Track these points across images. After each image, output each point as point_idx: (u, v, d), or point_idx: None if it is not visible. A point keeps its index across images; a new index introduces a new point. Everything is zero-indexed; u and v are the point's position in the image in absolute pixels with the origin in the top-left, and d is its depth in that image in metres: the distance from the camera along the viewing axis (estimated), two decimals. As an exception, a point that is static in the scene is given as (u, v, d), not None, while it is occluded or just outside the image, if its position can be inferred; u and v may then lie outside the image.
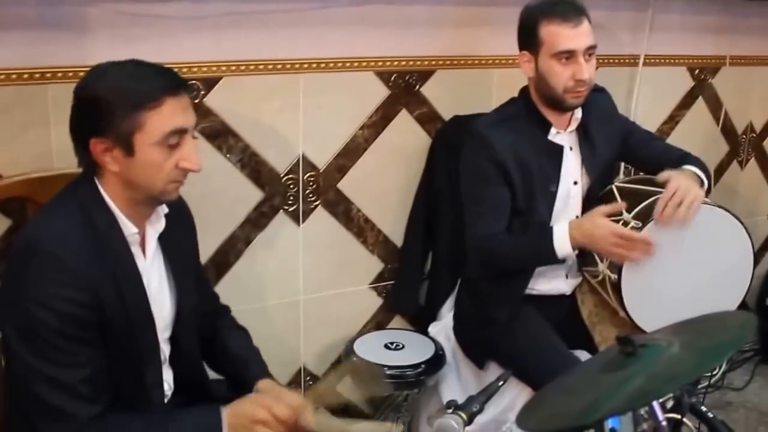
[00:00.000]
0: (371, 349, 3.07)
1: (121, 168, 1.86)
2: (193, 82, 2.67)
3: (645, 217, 2.65)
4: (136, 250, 1.96)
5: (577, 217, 2.85)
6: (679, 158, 2.88)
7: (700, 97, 3.91)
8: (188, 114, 1.88)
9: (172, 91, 1.84)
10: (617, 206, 2.67)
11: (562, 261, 2.76)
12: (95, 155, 1.85)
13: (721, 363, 1.38)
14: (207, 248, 2.82)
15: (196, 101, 2.68)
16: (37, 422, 1.85)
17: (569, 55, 2.61)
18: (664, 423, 1.46)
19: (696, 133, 3.89)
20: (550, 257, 2.68)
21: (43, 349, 1.78)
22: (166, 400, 2.11)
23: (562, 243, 2.63)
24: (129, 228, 1.92)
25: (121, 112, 1.80)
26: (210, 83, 2.71)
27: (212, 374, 2.32)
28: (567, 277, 2.96)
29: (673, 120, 3.85)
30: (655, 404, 1.45)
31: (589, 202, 2.86)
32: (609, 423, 1.85)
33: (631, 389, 1.35)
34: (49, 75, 2.42)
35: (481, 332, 2.91)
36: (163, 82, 1.84)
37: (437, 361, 3.01)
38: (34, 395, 1.81)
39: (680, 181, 2.64)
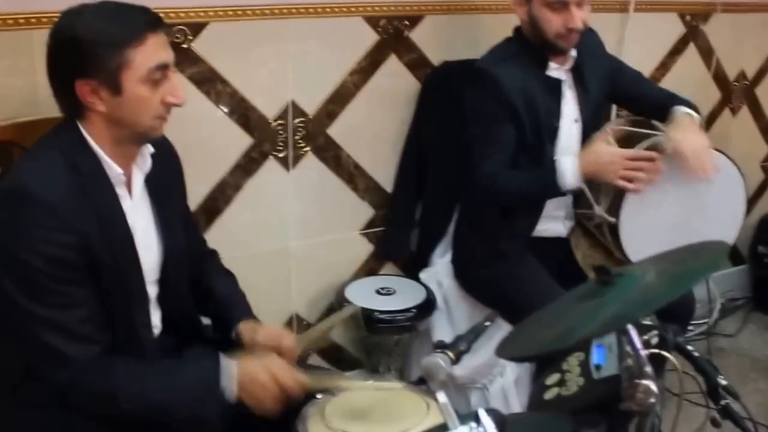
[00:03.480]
0: (362, 294, 3.10)
1: (108, 108, 1.86)
2: (181, 27, 2.66)
3: None
4: (121, 191, 1.96)
5: None
6: (668, 99, 2.92)
7: (692, 44, 3.90)
8: (169, 50, 1.91)
9: (153, 27, 1.86)
10: (615, 129, 2.74)
11: (565, 194, 2.76)
12: (82, 97, 1.85)
13: (692, 286, 1.39)
14: (197, 194, 2.83)
15: (184, 47, 2.68)
16: (38, 367, 1.87)
17: (561, 4, 2.63)
18: (643, 352, 1.48)
19: (688, 80, 3.87)
20: (554, 190, 2.69)
21: (37, 292, 1.80)
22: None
23: (569, 174, 2.64)
24: (114, 169, 1.92)
25: (105, 52, 1.81)
26: (196, 29, 2.69)
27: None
28: (566, 218, 2.99)
29: (664, 67, 3.84)
30: (633, 333, 1.46)
31: (586, 142, 2.88)
32: (594, 359, 1.86)
33: (605, 315, 1.37)
34: (34, 20, 2.40)
35: (487, 270, 2.92)
36: (143, 18, 1.86)
37: (428, 305, 3.04)
38: (33, 340, 1.83)
39: (690, 143, 2.69)
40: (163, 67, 1.88)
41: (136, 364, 1.94)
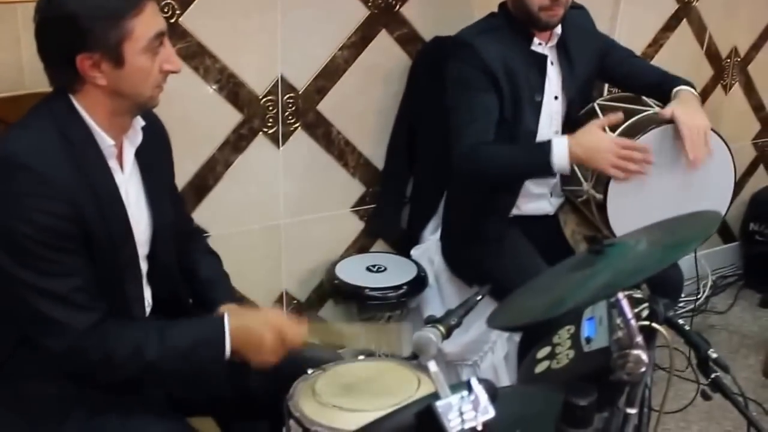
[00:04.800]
0: (353, 271, 3.09)
1: (109, 81, 1.84)
2: (168, 1, 2.63)
3: (630, 137, 2.65)
4: (113, 164, 1.94)
5: (556, 132, 2.84)
6: (661, 77, 2.89)
7: (685, 21, 3.87)
8: (161, 16, 1.89)
9: None
10: (614, 118, 2.64)
11: (554, 175, 2.71)
12: (83, 71, 1.82)
13: (685, 254, 1.38)
14: (186, 172, 2.81)
15: (172, 21, 2.64)
16: (35, 337, 1.86)
17: None
18: (633, 322, 1.47)
19: (680, 57, 3.86)
20: (545, 170, 2.62)
21: (31, 261, 1.78)
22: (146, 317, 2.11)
23: (561, 157, 2.56)
24: (105, 140, 1.89)
25: (105, 24, 1.78)
26: (185, 3, 2.66)
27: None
28: (551, 196, 2.97)
29: (657, 43, 3.82)
30: (624, 302, 1.45)
31: (570, 120, 2.86)
32: (584, 332, 1.86)
33: (596, 283, 1.36)
34: (18, -6, 2.38)
35: (470, 249, 2.91)
36: None
37: (419, 282, 3.04)
38: (29, 309, 1.81)
39: (690, 119, 2.63)
40: (161, 35, 1.86)
41: (132, 328, 1.92)
